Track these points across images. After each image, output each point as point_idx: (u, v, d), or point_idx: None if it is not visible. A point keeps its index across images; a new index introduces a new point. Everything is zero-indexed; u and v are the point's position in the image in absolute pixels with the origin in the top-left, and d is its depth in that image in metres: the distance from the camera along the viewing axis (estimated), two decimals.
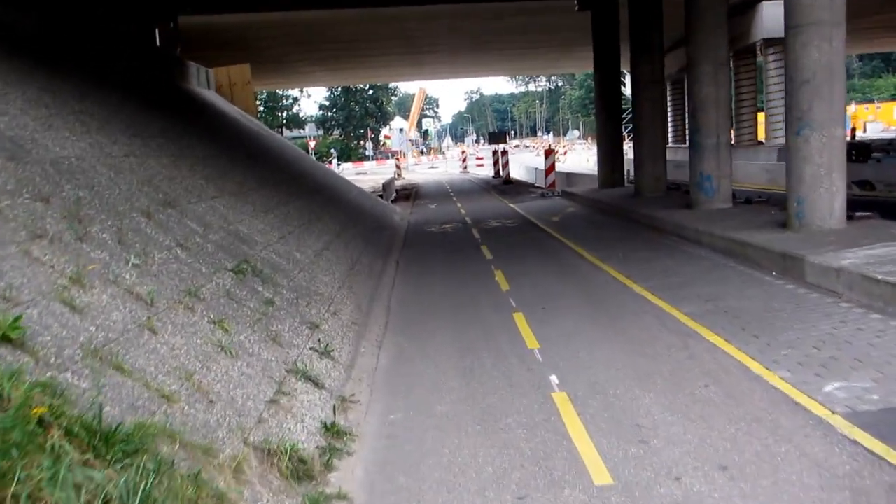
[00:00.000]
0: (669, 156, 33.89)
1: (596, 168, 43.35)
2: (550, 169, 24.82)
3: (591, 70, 60.96)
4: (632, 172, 23.20)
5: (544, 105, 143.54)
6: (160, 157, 10.01)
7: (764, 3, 26.68)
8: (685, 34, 13.90)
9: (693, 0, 13.39)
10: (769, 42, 27.40)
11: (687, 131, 36.97)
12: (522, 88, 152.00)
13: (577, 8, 22.26)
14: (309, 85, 62.81)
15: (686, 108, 36.21)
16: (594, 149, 67.04)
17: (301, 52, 31.25)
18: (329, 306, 8.37)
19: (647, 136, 17.55)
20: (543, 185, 27.76)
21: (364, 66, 38.61)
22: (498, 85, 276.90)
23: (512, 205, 22.31)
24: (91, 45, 13.07)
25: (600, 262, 11.20)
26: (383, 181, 31.65)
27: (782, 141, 28.96)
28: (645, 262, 10.87)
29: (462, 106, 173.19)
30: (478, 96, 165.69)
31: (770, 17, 26.54)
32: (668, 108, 38.64)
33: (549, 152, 25.61)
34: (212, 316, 5.89)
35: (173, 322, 5.39)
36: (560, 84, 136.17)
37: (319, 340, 6.94)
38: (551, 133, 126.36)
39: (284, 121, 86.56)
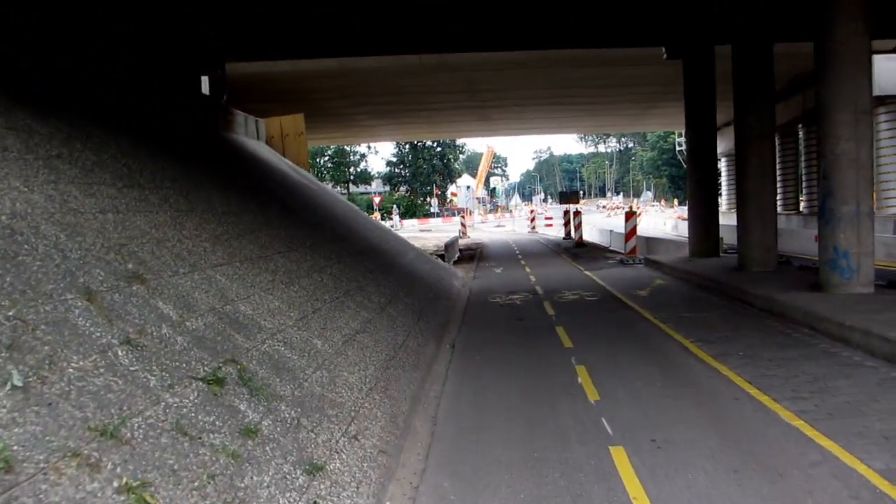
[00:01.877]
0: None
1: (676, 232, 40.67)
2: (631, 233, 22.20)
3: (672, 129, 58.48)
4: (725, 240, 20.50)
5: (613, 166, 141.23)
6: (158, 212, 7.97)
7: (875, 56, 23.74)
8: (815, 74, 11.37)
9: (826, 32, 10.89)
10: (881, 100, 24.34)
11: (803, 195, 33.74)
12: (592, 149, 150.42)
13: (665, 57, 19.90)
14: (372, 140, 62.00)
15: (777, 166, 33.19)
16: (668, 211, 64.14)
17: (360, 103, 29.72)
18: (349, 424, 6.00)
19: (755, 200, 14.84)
20: (622, 251, 25.15)
21: (428, 121, 36.99)
22: (567, 145, 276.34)
23: (588, 273, 19.73)
24: (118, 90, 11.37)
25: (715, 361, 8.57)
26: (446, 240, 29.51)
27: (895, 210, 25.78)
28: (778, 365, 8.18)
29: (530, 165, 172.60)
30: (547, 155, 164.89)
31: (882, 72, 23.61)
32: None
33: (631, 214, 23.03)
34: (127, 477, 3.59)
35: None
36: (630, 145, 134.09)
37: (317, 500, 4.55)
38: (621, 194, 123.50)
39: (351, 177, 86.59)
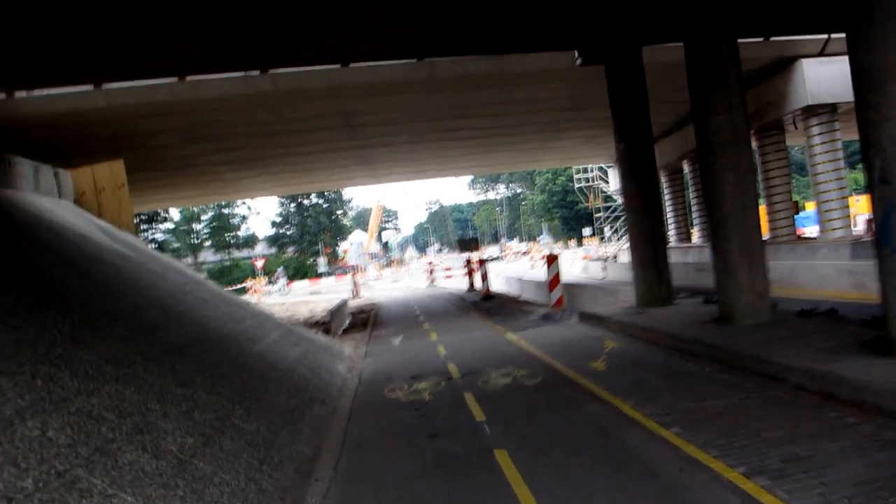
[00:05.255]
0: (692, 257, 27.48)
1: (587, 274, 37.04)
2: (555, 281, 18.00)
3: (569, 164, 55.63)
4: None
5: (504, 213, 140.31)
6: None
7: (804, 60, 20.89)
8: (855, 30, 7.47)
9: None
10: (811, 109, 21.36)
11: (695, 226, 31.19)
12: (482, 197, 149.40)
13: (578, 62, 16.04)
14: (243, 196, 56.33)
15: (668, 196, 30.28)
16: (566, 252, 61.24)
17: (215, 149, 24.60)
18: None
19: (737, 229, 10.72)
20: (540, 302, 21.06)
21: (304, 169, 32.07)
22: (457, 194, 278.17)
23: (511, 335, 15.29)
24: None
25: None
26: (332, 306, 24.58)
27: (841, 233, 22.79)
28: None
29: (423, 216, 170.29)
30: (437, 206, 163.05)
31: (815, 78, 20.79)
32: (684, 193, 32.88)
33: (552, 259, 18.80)
34: None
35: None
36: (519, 191, 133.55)
37: None
38: (515, 239, 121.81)
39: (234, 241, 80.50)
